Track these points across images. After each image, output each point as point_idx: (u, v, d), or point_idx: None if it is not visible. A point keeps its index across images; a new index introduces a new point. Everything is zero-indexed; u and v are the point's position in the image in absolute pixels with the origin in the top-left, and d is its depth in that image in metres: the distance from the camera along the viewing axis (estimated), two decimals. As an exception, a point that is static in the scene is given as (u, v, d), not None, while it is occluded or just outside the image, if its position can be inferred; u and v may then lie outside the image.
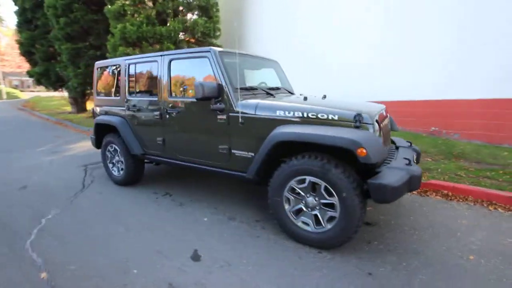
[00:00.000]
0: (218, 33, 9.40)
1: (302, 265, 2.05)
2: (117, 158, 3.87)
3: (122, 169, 3.81)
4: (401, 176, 1.99)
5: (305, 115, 2.31)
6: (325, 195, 2.13)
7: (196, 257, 2.18)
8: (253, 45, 9.34)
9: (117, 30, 8.01)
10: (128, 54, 8.05)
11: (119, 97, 3.71)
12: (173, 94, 3.12)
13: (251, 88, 2.93)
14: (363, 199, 2.05)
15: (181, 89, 3.08)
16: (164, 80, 3.15)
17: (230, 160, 2.76)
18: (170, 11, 9.05)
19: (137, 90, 3.54)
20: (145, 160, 3.77)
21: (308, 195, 2.24)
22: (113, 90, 3.86)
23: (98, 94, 4.13)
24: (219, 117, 2.73)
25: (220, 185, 3.82)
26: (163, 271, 2.00)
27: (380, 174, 2.02)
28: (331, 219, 2.16)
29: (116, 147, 3.78)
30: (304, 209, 2.28)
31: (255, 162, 2.46)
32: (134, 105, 3.51)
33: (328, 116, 2.22)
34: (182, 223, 2.77)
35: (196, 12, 8.98)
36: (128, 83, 3.58)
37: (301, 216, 2.30)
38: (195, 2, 8.57)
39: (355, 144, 1.91)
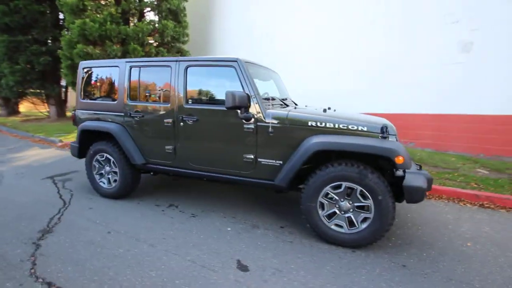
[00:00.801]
0: (186, 38, 9.21)
1: (347, 264, 2.23)
2: (107, 168, 3.50)
3: (115, 180, 3.47)
4: (424, 179, 2.34)
5: (336, 126, 2.53)
6: (360, 199, 2.36)
7: (243, 267, 2.17)
8: (221, 51, 9.35)
9: (75, 26, 7.22)
10: (88, 53, 7.31)
11: (115, 102, 3.39)
12: (190, 102, 3.02)
13: (267, 98, 3.04)
14: (394, 201, 2.34)
15: (203, 97, 3.01)
16: (180, 86, 3.03)
17: (255, 168, 2.80)
18: (135, 11, 8.54)
19: (141, 96, 3.30)
20: (142, 170, 3.51)
21: (342, 199, 2.44)
22: (106, 94, 3.51)
23: (84, 97, 3.69)
24: (245, 126, 2.76)
25: (228, 194, 3.77)
26: (222, 285, 1.94)
27: (408, 178, 2.33)
28: (364, 220, 2.40)
29: (109, 157, 3.43)
30: (338, 212, 2.47)
31: (289, 170, 2.56)
32: (136, 111, 3.26)
33: (358, 127, 2.48)
34: (207, 234, 2.68)
35: (162, 15, 8.62)
36: (129, 88, 3.31)
37: (335, 219, 2.49)
38: (164, 5, 8.26)
39: (395, 153, 2.20)
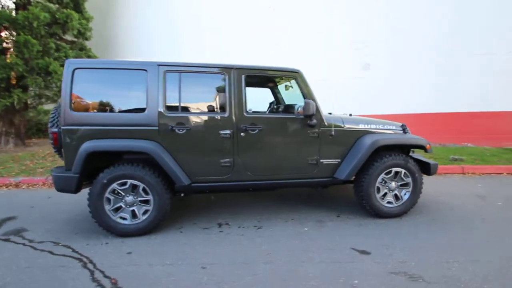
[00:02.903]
0: (89, 33, 7.54)
1: (390, 224, 3.00)
2: (129, 199, 2.76)
3: (145, 211, 2.79)
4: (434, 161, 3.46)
5: (376, 126, 3.27)
6: (403, 178, 3.21)
7: (364, 252, 2.52)
8: (128, 47, 8.21)
9: None
10: None
11: (143, 114, 2.72)
12: (249, 110, 2.92)
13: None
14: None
15: (275, 106, 2.97)
16: (237, 95, 2.86)
17: (317, 169, 3.12)
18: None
19: (184, 106, 2.82)
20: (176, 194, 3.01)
21: (391, 182, 3.21)
22: (122, 104, 2.74)
23: (77, 109, 2.67)
24: (310, 131, 3.03)
25: (255, 201, 3.77)
26: (378, 265, 2.23)
27: (430, 161, 3.35)
28: (405, 194, 3.26)
29: (136, 183, 2.71)
30: (387, 192, 3.22)
31: (355, 165, 3.04)
32: (179, 124, 2.77)
33: (390, 127, 3.32)
34: (295, 239, 2.76)
35: (62, 2, 6.69)
36: (165, 96, 2.75)
37: (386, 198, 3.22)
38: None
39: (426, 143, 3.17)
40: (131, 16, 8.38)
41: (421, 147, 3.26)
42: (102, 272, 2.22)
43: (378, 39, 7.37)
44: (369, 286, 2.03)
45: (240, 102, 2.88)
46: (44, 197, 4.12)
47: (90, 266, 2.30)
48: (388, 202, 3.23)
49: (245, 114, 2.89)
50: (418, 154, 3.64)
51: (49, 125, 2.98)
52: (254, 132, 2.91)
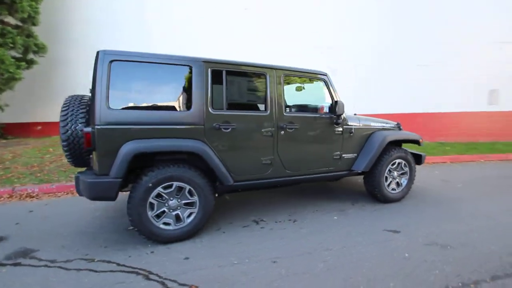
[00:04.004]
0: (38, 17, 6.43)
1: (382, 210, 3.58)
2: (172, 202, 2.60)
3: (190, 214, 2.66)
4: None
5: (383, 125, 3.78)
6: (403, 168, 3.78)
7: (396, 231, 2.93)
8: (85, 31, 7.26)
9: None
10: None
11: (189, 112, 2.58)
12: (287, 110, 3.05)
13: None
14: (414, 165, 3.96)
15: (299, 105, 3.12)
16: (278, 95, 2.96)
17: (339, 163, 3.45)
18: None
19: (229, 104, 2.76)
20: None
21: (394, 172, 3.75)
22: (164, 100, 2.54)
23: (118, 106, 2.37)
24: (336, 129, 3.34)
25: (274, 195, 3.89)
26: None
27: (416, 152, 4.02)
28: (404, 181, 3.84)
29: (182, 185, 2.57)
30: (392, 180, 3.75)
31: (372, 158, 3.46)
32: (225, 122, 2.72)
33: (391, 125, 3.88)
34: (333, 228, 3.02)
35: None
36: (212, 94, 2.67)
37: (391, 185, 3.74)
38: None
39: (420, 138, 3.80)
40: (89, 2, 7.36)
41: (417, 141, 3.90)
42: (173, 281, 2.07)
43: (341, 45, 8.21)
44: (418, 256, 2.43)
45: (280, 101, 2.98)
46: (23, 211, 3.42)
47: (154, 277, 2.12)
48: (392, 189, 3.77)
49: (284, 113, 3.01)
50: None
51: (61, 124, 2.56)
52: (291, 130, 3.06)
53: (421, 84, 8.19)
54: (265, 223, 3.12)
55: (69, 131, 2.55)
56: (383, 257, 2.42)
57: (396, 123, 4.03)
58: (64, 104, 2.66)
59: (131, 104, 2.48)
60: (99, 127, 2.31)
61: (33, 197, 3.90)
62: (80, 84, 6.10)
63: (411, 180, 3.84)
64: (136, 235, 2.75)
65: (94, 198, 2.39)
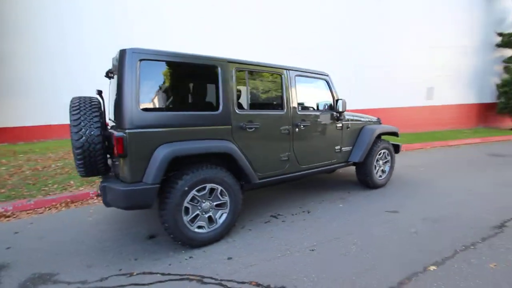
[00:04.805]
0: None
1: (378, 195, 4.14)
2: (205, 205, 2.58)
3: (221, 215, 2.67)
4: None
5: (369, 120, 4.25)
6: (387, 157, 4.32)
7: (396, 211, 3.37)
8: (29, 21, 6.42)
9: None
10: None
11: (217, 112, 2.57)
12: (299, 108, 3.23)
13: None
14: (393, 153, 4.54)
15: (308, 104, 3.32)
16: (292, 94, 3.12)
17: (340, 155, 3.80)
18: None
19: (251, 103, 2.81)
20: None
21: (380, 161, 4.25)
22: (191, 100, 2.49)
23: (149, 108, 2.23)
24: (337, 125, 3.66)
25: (276, 193, 4.06)
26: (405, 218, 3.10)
27: (394, 143, 4.62)
28: (387, 168, 4.39)
29: (214, 186, 2.57)
30: (378, 168, 4.26)
31: (365, 150, 3.89)
32: (250, 121, 2.78)
33: (375, 120, 4.38)
34: (343, 214, 3.34)
35: None
36: (236, 94, 2.69)
37: (378, 173, 4.24)
38: None
39: (398, 130, 4.38)
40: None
41: (395, 133, 4.48)
42: (230, 281, 2.10)
43: (308, 47, 8.75)
44: (424, 230, 2.87)
45: (294, 100, 3.16)
46: (7, 234, 2.92)
47: (209, 280, 2.10)
48: (379, 176, 4.28)
49: (298, 112, 3.19)
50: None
51: (74, 130, 2.31)
52: (304, 127, 3.26)
53: (374, 82, 9.25)
54: (283, 217, 3.27)
55: (84, 137, 2.32)
56: (397, 234, 2.81)
57: (377, 118, 4.56)
58: (73, 107, 2.39)
59: (161, 106, 2.37)
60: (131, 131, 2.17)
61: (8, 217, 3.33)
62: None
63: (392, 167, 4.42)
64: (161, 243, 2.66)
65: (130, 207, 2.23)
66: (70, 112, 2.37)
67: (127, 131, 2.16)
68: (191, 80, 2.56)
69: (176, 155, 2.27)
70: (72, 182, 4.35)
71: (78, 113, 2.36)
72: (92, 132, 2.34)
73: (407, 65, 9.41)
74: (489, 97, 10.55)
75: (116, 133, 2.16)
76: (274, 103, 3.11)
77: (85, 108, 2.40)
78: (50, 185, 4.18)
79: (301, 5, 8.61)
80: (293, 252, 2.49)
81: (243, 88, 2.80)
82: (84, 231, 2.98)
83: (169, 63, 2.38)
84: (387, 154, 4.30)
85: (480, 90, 10.47)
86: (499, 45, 10.11)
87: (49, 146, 6.75)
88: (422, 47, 9.48)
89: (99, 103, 2.55)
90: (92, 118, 2.38)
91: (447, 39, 9.67)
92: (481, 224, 2.97)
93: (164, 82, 2.41)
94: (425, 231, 2.85)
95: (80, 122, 2.33)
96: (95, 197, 3.97)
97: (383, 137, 4.48)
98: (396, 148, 4.53)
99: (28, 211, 3.49)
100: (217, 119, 2.60)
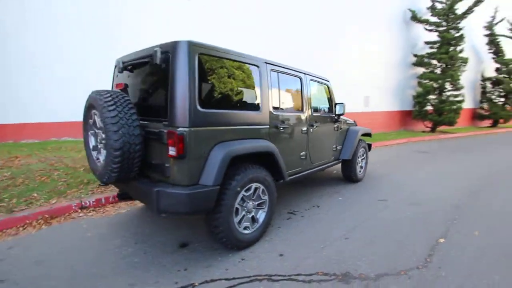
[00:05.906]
0: None
1: (359, 190, 4.79)
2: (250, 204, 2.56)
3: (262, 213, 2.69)
4: (363, 141, 5.47)
5: (351, 122, 4.80)
6: (364, 155, 4.95)
7: (385, 200, 3.92)
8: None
9: None
10: None
11: (259, 112, 2.58)
12: (312, 110, 3.46)
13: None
14: (366, 151, 5.21)
15: (317, 107, 3.57)
16: (308, 96, 3.34)
17: (335, 154, 4.21)
18: None
19: (281, 104, 2.88)
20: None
21: (359, 158, 4.85)
22: (237, 100, 2.44)
23: (206, 105, 2.08)
24: (335, 126, 4.05)
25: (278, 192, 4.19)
26: (397, 209, 3.68)
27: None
28: (364, 164, 5.02)
29: (258, 186, 2.58)
30: (358, 164, 4.85)
31: (352, 148, 4.39)
32: (282, 122, 2.87)
33: (353, 122, 4.98)
34: (346, 205, 3.72)
35: None
36: (272, 95, 2.74)
37: (358, 168, 4.83)
38: None
39: (371, 131, 5.07)
40: None
41: (369, 134, 5.16)
42: (298, 274, 2.17)
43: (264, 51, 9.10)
44: (417, 212, 3.46)
45: (310, 102, 3.38)
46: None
47: (277, 278, 2.13)
48: (359, 171, 4.88)
49: (312, 113, 3.43)
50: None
51: (112, 128, 2.02)
52: (316, 128, 3.52)
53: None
54: (300, 212, 3.44)
55: (123, 138, 2.03)
56: (399, 216, 3.31)
57: (353, 121, 5.17)
58: (107, 101, 2.07)
59: (216, 103, 2.25)
60: (191, 129, 2.01)
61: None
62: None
63: (367, 163, 5.09)
64: (198, 250, 2.54)
65: (192, 212, 2.04)
66: (104, 108, 2.04)
67: (186, 129, 2.00)
68: (237, 78, 2.50)
69: (235, 154, 2.20)
70: (35, 194, 3.55)
71: (115, 109, 2.05)
72: (133, 132, 2.07)
73: (348, 77, 10.78)
74: (408, 105, 12.97)
75: (178, 130, 1.96)
76: (296, 104, 3.27)
77: (121, 104, 2.10)
78: (7, 200, 3.33)
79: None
80: (332, 242, 2.69)
81: (276, 89, 2.86)
82: (93, 249, 2.53)
83: (222, 60, 2.29)
84: (364, 152, 4.94)
85: (402, 99, 12.78)
86: (414, 64, 12.59)
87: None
88: (359, 62, 11.01)
89: (130, 99, 2.25)
90: (131, 116, 2.10)
91: (376, 56, 11.50)
92: (450, 202, 3.77)
93: (218, 79, 2.29)
94: (418, 212, 3.45)
95: (119, 120, 2.04)
96: (79, 210, 3.36)
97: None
98: (369, 146, 5.23)
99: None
100: (259, 119, 2.61)
